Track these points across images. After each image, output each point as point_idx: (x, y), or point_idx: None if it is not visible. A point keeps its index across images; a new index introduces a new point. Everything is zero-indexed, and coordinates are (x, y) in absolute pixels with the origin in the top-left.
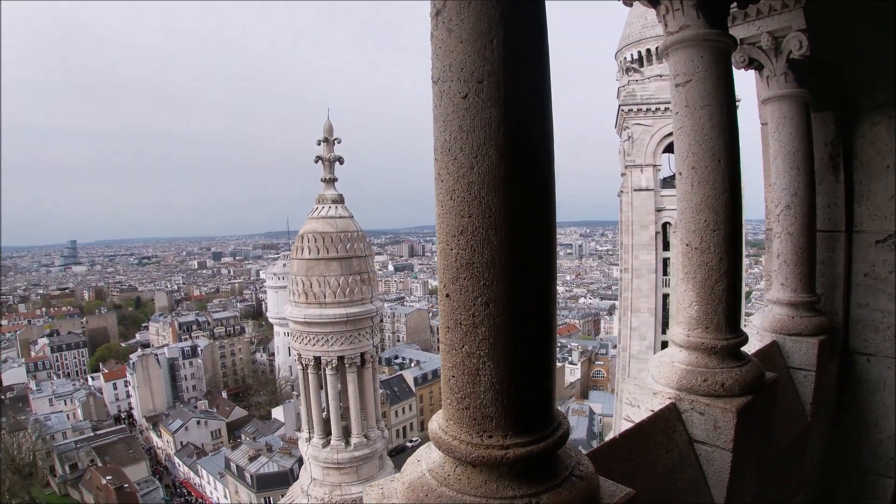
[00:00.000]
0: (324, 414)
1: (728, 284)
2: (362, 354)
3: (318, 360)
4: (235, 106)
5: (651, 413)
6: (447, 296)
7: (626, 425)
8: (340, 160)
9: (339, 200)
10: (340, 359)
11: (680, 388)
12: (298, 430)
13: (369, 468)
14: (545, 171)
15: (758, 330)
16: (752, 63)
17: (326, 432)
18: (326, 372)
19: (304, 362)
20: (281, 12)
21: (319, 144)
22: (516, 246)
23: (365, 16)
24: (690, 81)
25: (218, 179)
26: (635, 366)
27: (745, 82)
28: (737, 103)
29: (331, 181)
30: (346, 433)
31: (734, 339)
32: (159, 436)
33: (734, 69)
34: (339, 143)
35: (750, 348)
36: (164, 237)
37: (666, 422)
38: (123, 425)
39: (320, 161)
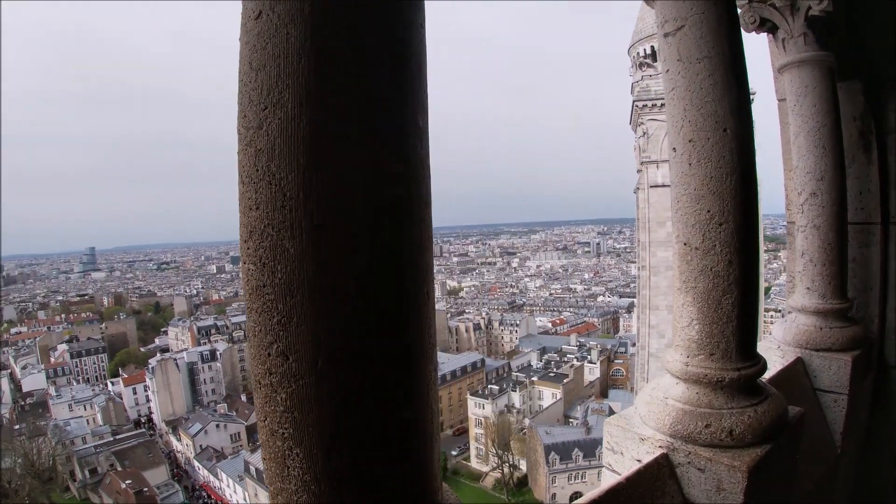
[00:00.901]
0: None
1: (739, 296)
2: None
3: None
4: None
5: (637, 465)
6: (249, 337)
7: (607, 477)
8: None
9: None
10: None
11: (674, 434)
12: None
13: None
14: (398, 122)
15: (779, 344)
16: (763, 24)
17: None
18: None
19: None
20: None
21: None
22: (328, 257)
23: None
24: (683, 28)
25: (235, 184)
26: (654, 364)
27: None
28: (751, 97)
29: None
30: None
31: (747, 370)
32: (179, 440)
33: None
34: None
35: (770, 367)
36: (183, 242)
37: (654, 480)
38: (143, 430)
39: None
